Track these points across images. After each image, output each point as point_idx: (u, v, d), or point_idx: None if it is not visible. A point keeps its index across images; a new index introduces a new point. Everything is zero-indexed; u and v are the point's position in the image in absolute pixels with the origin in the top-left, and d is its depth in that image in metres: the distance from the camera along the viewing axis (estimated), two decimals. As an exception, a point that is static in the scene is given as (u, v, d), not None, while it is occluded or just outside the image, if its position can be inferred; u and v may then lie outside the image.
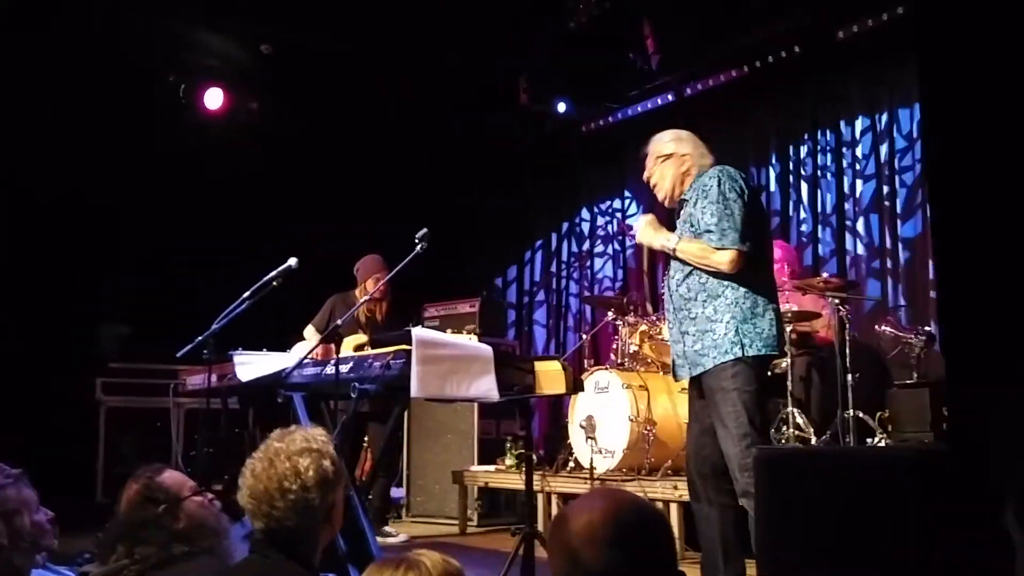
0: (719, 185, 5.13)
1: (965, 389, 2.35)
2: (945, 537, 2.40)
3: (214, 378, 6.64)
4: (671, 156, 5.43)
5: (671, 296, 5.39)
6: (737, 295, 5.11)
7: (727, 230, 5.06)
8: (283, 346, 7.30)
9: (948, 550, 2.39)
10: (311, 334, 8.40)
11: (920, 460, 2.55)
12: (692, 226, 5.22)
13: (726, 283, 5.12)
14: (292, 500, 3.05)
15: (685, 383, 5.62)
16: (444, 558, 2.59)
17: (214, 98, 10.82)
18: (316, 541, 3.18)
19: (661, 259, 9.79)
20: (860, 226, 9.78)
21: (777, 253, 8.38)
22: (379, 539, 7.64)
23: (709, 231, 5.11)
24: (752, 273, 5.18)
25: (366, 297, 7.56)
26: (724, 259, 5.08)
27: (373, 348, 6.07)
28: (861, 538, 2.56)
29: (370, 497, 8.22)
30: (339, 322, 6.10)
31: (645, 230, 5.45)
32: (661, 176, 5.45)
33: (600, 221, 12.87)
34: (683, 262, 5.29)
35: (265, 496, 3.06)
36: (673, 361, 5.52)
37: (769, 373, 7.43)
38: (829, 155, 10.19)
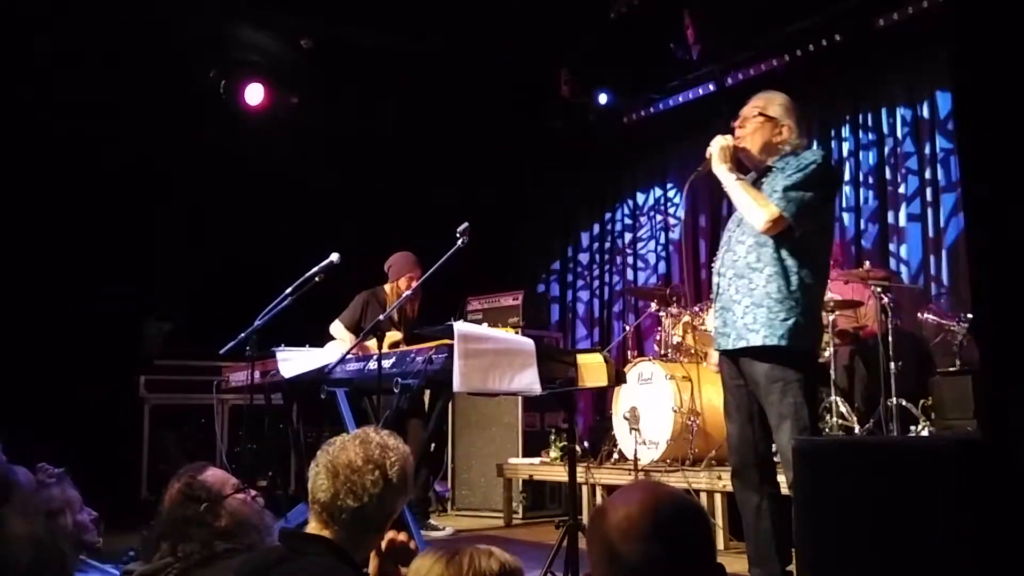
0: (816, 168, 5.02)
1: (999, 379, 2.33)
2: (982, 528, 2.38)
3: (257, 374, 6.69)
4: (773, 120, 5.25)
5: (733, 261, 5.20)
6: (804, 285, 4.99)
7: (791, 200, 4.94)
8: (323, 343, 7.34)
9: (985, 541, 2.38)
10: (340, 331, 8.41)
11: (957, 450, 2.53)
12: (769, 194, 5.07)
13: (797, 270, 4.98)
14: (371, 480, 3.06)
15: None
16: (492, 553, 2.57)
17: (255, 94, 10.84)
18: (366, 539, 3.17)
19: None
20: (902, 214, 9.74)
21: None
22: (425, 533, 7.70)
23: (776, 190, 5.00)
24: (818, 271, 5.10)
25: (406, 294, 7.57)
26: (767, 214, 4.94)
27: (413, 343, 6.09)
28: (900, 529, 2.54)
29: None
30: (381, 318, 6.11)
31: (722, 148, 5.21)
32: (754, 132, 5.25)
33: (642, 212, 12.86)
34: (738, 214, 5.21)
35: (347, 468, 3.07)
36: (716, 330, 5.35)
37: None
38: (871, 143, 10.17)
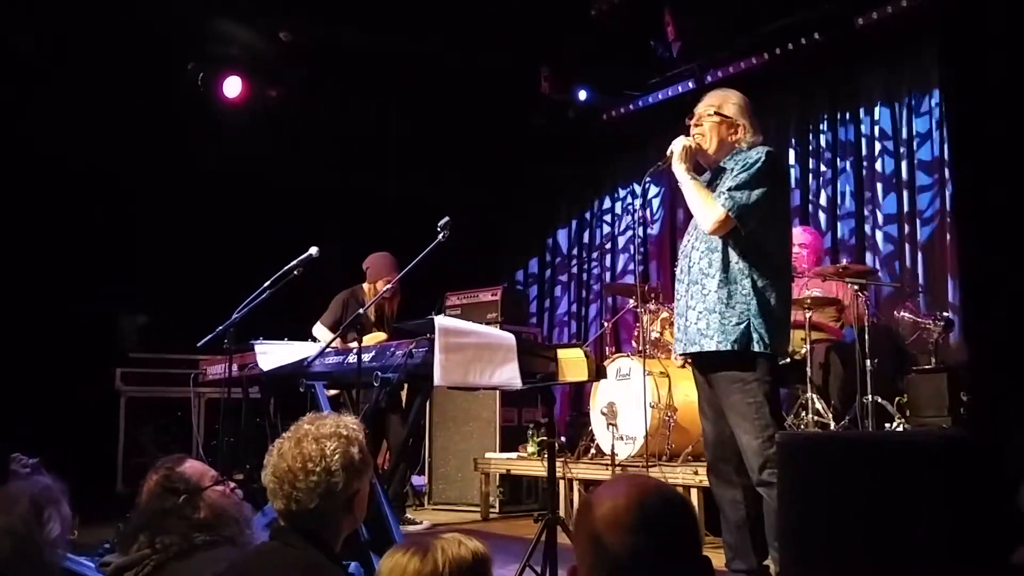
0: (761, 164, 5.05)
1: (986, 376, 2.34)
2: (966, 523, 2.39)
3: (235, 367, 6.68)
4: (729, 119, 5.31)
5: (689, 267, 5.29)
6: (757, 288, 5.02)
7: (736, 199, 4.99)
8: (302, 337, 7.32)
9: (969, 536, 2.38)
10: (323, 333, 8.41)
11: (944, 446, 2.53)
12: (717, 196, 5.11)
13: (747, 272, 5.03)
14: (314, 482, 3.05)
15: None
16: (461, 540, 2.58)
17: (233, 86, 10.80)
18: (336, 528, 3.16)
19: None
20: (879, 212, 9.78)
21: (806, 239, 8.45)
22: (401, 528, 7.69)
23: (723, 192, 5.04)
24: (773, 270, 5.12)
25: (385, 288, 7.55)
26: (714, 215, 5.01)
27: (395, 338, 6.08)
28: (884, 524, 2.55)
29: (386, 487, 8.22)
30: (361, 311, 6.10)
31: (684, 148, 5.26)
32: (710, 132, 5.31)
33: (621, 209, 12.87)
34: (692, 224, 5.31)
35: (288, 476, 3.06)
36: (675, 335, 5.49)
37: (788, 360, 7.45)
38: (848, 142, 10.20)
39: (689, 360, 5.53)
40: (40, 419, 8.82)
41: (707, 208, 5.06)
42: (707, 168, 5.41)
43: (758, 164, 5.06)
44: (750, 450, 4.94)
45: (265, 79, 10.99)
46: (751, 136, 5.30)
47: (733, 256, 5.08)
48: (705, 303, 5.11)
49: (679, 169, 5.26)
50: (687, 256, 5.34)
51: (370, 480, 3.34)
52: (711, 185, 5.26)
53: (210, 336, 6.54)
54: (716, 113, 5.32)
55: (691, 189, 5.19)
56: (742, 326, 4.99)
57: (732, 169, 5.16)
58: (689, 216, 5.44)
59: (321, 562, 3.03)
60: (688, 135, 5.37)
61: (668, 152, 5.33)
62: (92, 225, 10.60)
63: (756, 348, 4.98)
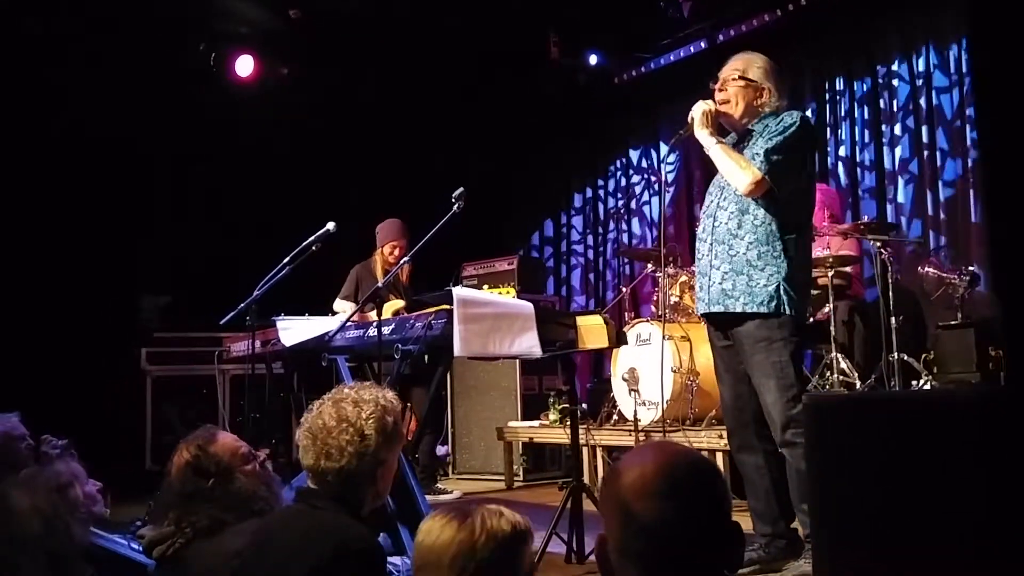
0: (796, 128, 5.03)
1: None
2: (1004, 481, 2.36)
3: (258, 344, 6.72)
4: (754, 84, 5.24)
5: (714, 226, 5.21)
6: (788, 249, 4.99)
7: (773, 163, 4.94)
8: (322, 312, 7.35)
9: (1006, 495, 2.36)
10: (343, 306, 8.45)
11: (982, 402, 2.49)
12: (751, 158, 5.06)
13: (778, 235, 4.99)
14: (346, 440, 3.10)
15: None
16: (502, 512, 2.57)
17: (244, 66, 10.81)
18: (361, 493, 3.19)
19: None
20: (899, 167, 9.71)
21: (818, 196, 8.37)
22: (433, 497, 7.75)
23: (757, 154, 5.00)
24: (802, 233, 5.11)
25: (401, 262, 7.57)
26: (749, 177, 4.95)
27: (412, 310, 6.09)
28: (919, 485, 2.52)
29: (416, 456, 8.25)
30: (380, 284, 6.12)
31: (704, 113, 5.19)
32: (736, 97, 5.24)
33: (635, 173, 12.83)
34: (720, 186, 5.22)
35: (322, 432, 3.12)
36: (696, 294, 5.45)
37: (811, 319, 7.41)
38: (866, 97, 10.15)
39: (709, 322, 5.47)
40: (69, 401, 8.88)
41: (740, 170, 5.01)
42: (731, 131, 5.36)
43: (793, 128, 5.03)
44: (774, 410, 4.93)
45: (276, 56, 10.99)
46: (776, 100, 5.24)
47: (766, 218, 5.02)
48: (732, 264, 5.07)
49: (702, 134, 5.20)
50: (711, 215, 5.26)
51: (399, 455, 3.37)
52: (737, 148, 5.19)
53: (232, 313, 6.58)
54: (741, 77, 5.25)
55: (719, 153, 5.14)
56: (770, 288, 4.96)
57: (763, 132, 5.11)
58: (706, 179, 5.41)
59: (346, 521, 3.06)
60: (712, 99, 5.31)
61: (689, 118, 5.28)
62: (112, 207, 10.60)
63: (787, 311, 4.95)
